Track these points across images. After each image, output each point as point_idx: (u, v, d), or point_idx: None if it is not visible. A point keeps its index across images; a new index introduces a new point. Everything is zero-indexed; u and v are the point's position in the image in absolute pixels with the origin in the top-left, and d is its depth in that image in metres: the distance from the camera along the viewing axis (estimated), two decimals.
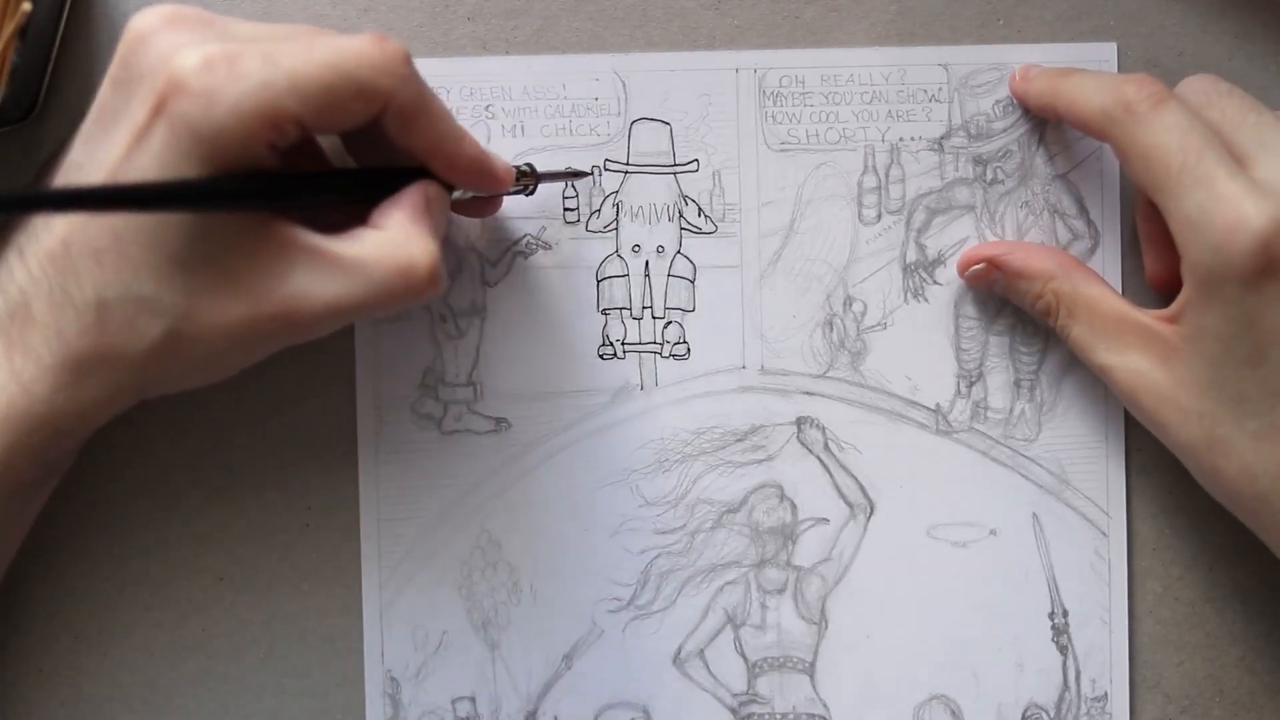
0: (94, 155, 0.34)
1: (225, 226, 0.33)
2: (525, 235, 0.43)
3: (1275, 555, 0.39)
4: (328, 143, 0.40)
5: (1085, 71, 0.40)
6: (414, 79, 0.35)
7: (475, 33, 0.43)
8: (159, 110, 0.32)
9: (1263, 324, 0.36)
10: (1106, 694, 0.43)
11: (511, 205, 0.42)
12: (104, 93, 0.35)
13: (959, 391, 0.43)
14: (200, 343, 0.34)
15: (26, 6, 0.36)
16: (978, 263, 0.42)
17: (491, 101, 0.42)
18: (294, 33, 0.35)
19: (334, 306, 0.34)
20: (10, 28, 0.36)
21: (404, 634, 0.43)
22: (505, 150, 0.42)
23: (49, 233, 0.34)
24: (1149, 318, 0.39)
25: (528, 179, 0.41)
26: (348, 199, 0.37)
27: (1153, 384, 0.38)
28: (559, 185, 0.42)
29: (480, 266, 0.43)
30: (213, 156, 0.32)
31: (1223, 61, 0.43)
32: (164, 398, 0.37)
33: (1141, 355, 0.39)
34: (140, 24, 0.34)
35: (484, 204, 0.40)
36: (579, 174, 0.42)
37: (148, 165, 0.32)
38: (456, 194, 0.38)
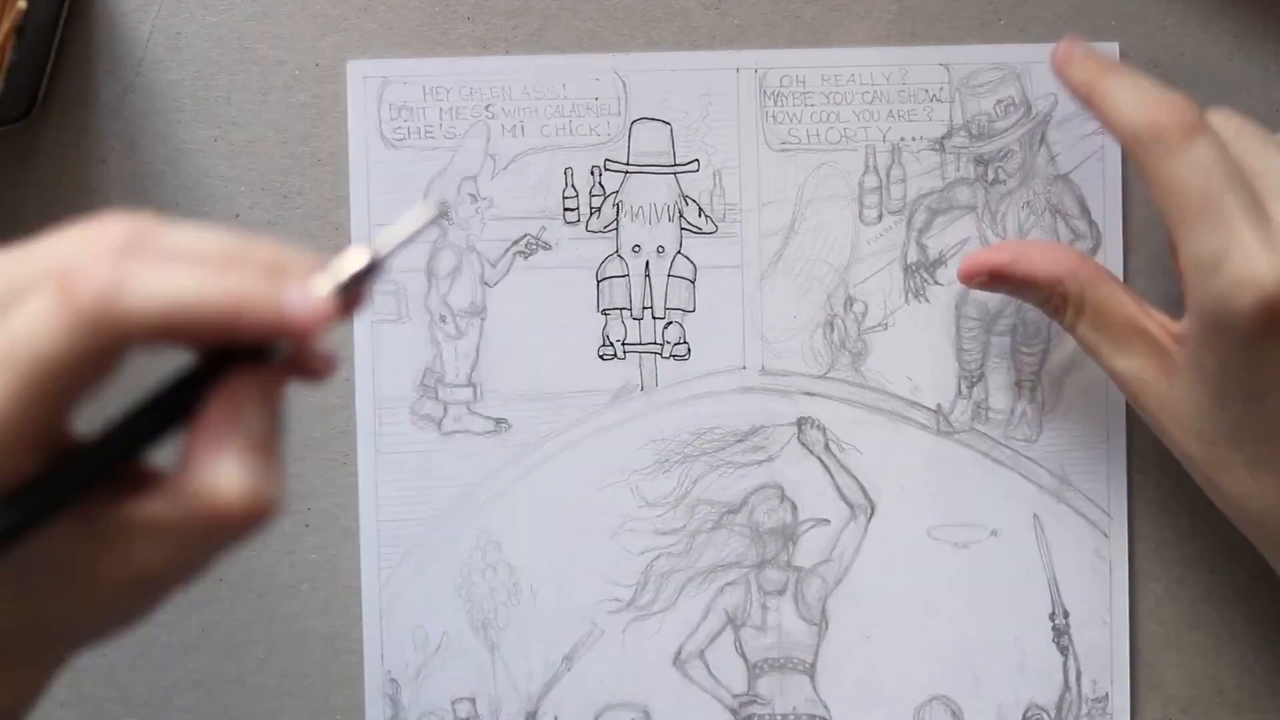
0: None
1: (37, 545, 0.28)
2: (525, 235, 0.42)
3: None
4: None
5: (1127, 75, 0.38)
6: (123, 278, 0.27)
7: (475, 32, 0.42)
8: None
9: (1262, 371, 0.36)
10: (1107, 694, 0.43)
11: (512, 205, 0.42)
12: None
13: (960, 392, 0.43)
14: (76, 617, 0.30)
15: (21, 4, 0.36)
16: (979, 275, 0.41)
17: (491, 101, 0.42)
18: None
19: (167, 568, 0.29)
20: (6, 24, 0.36)
21: (404, 635, 0.43)
22: (505, 150, 0.42)
23: None
24: (1158, 327, 0.38)
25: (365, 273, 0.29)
26: (152, 443, 0.30)
27: (1155, 393, 0.38)
28: (558, 184, 0.42)
29: (480, 266, 0.43)
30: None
31: (1223, 61, 0.43)
32: None
33: (1145, 363, 0.38)
34: None
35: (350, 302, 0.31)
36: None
37: None
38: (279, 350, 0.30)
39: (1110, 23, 0.43)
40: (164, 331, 0.27)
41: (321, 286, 0.28)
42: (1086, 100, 0.39)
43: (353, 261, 0.29)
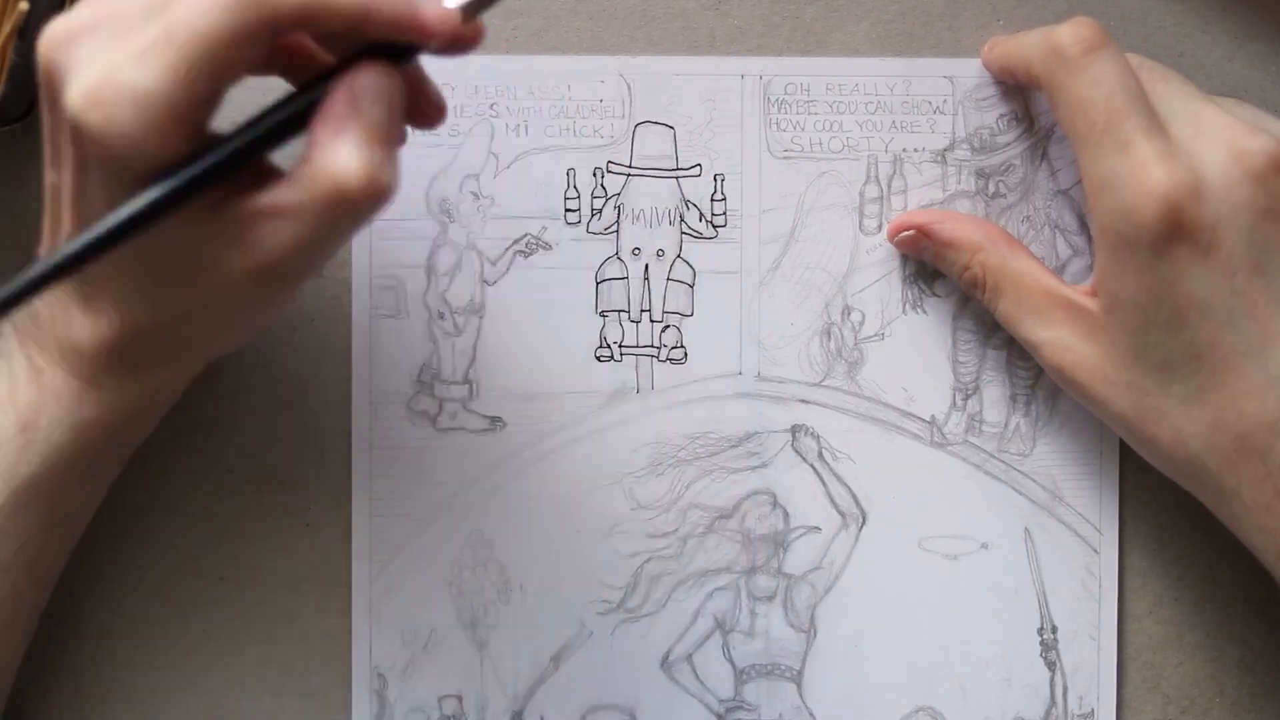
0: (60, 178, 0.33)
1: (167, 228, 0.32)
2: (526, 235, 0.43)
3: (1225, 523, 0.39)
4: None
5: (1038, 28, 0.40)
6: None
7: None
8: (79, 150, 0.32)
9: (1177, 289, 0.36)
10: (1093, 711, 0.43)
11: (514, 204, 0.42)
12: (45, 117, 0.34)
13: (954, 404, 0.43)
14: (207, 312, 0.34)
15: (23, 5, 0.36)
16: (908, 229, 0.42)
17: (496, 100, 0.42)
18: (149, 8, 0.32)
19: (294, 252, 0.32)
20: (8, 26, 0.36)
21: (393, 630, 0.43)
22: (508, 149, 0.42)
23: None
24: (1074, 292, 0.39)
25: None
26: (282, 139, 0.33)
27: (1080, 358, 0.38)
28: (560, 185, 0.42)
29: (480, 265, 0.43)
30: (142, 171, 0.31)
31: (1223, 62, 0.43)
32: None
33: (1068, 330, 0.39)
34: (43, 46, 0.32)
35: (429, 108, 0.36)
36: None
37: (95, 194, 0.32)
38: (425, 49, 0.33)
39: (1110, 23, 0.42)
40: (307, 15, 0.31)
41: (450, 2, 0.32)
42: (1008, 67, 0.41)
43: None
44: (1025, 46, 0.39)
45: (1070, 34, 0.37)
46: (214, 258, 0.33)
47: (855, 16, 0.43)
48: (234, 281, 0.33)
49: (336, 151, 0.31)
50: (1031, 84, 0.40)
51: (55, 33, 0.32)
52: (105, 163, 0.31)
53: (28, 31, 0.38)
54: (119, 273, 0.33)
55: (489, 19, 0.42)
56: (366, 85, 0.32)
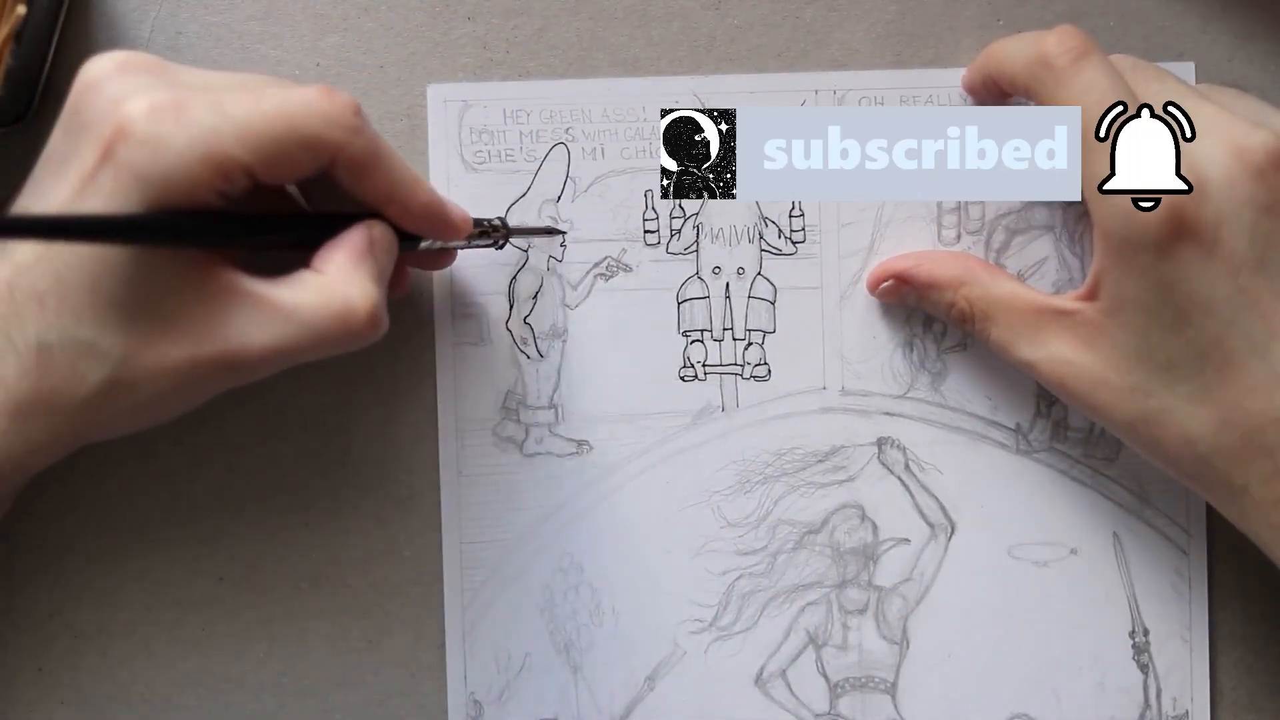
0: (43, 199, 0.34)
1: (164, 271, 0.33)
2: (606, 258, 0.43)
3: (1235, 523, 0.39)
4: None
5: (1015, 35, 0.40)
6: (364, 129, 0.35)
7: (475, 32, 0.43)
8: (106, 156, 0.32)
9: (1181, 288, 0.36)
10: (1188, 712, 0.43)
11: (593, 227, 0.42)
12: (54, 139, 0.34)
13: (1039, 411, 0.43)
14: (140, 387, 0.33)
15: (21, 9, 0.36)
16: (886, 279, 0.42)
17: (571, 124, 0.42)
18: (245, 82, 0.35)
19: (271, 351, 0.34)
20: (5, 30, 0.37)
21: (486, 657, 0.43)
22: (585, 173, 0.42)
23: None
24: (1064, 300, 0.39)
25: (497, 233, 0.41)
26: (293, 243, 0.36)
27: (1081, 370, 0.38)
28: (638, 207, 0.42)
29: (561, 289, 0.43)
30: (157, 203, 0.32)
31: (1222, 62, 0.43)
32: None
33: (1064, 343, 0.38)
34: (92, 71, 0.34)
35: (440, 255, 0.40)
36: (553, 230, 0.42)
37: (93, 209, 0.32)
38: (425, 244, 0.38)
39: (1110, 23, 0.43)
40: (371, 165, 0.35)
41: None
42: (991, 76, 0.40)
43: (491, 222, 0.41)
44: (1009, 58, 0.39)
45: (1056, 44, 0.37)
46: (192, 321, 0.33)
47: (855, 17, 0.43)
48: (196, 357, 0.33)
49: (351, 278, 0.35)
50: (1017, 94, 0.40)
51: (110, 57, 0.34)
52: (129, 175, 0.32)
53: (25, 35, 0.38)
54: (89, 301, 0.33)
55: (488, 19, 0.42)
56: (382, 237, 0.36)
